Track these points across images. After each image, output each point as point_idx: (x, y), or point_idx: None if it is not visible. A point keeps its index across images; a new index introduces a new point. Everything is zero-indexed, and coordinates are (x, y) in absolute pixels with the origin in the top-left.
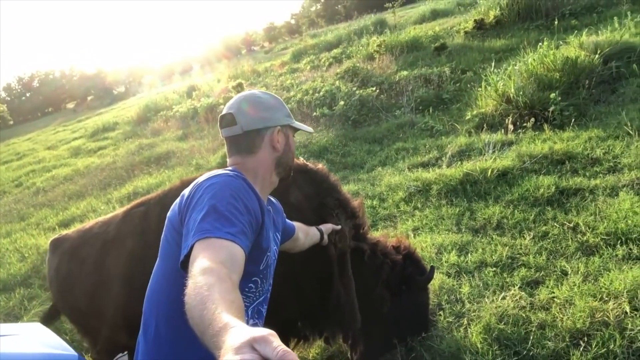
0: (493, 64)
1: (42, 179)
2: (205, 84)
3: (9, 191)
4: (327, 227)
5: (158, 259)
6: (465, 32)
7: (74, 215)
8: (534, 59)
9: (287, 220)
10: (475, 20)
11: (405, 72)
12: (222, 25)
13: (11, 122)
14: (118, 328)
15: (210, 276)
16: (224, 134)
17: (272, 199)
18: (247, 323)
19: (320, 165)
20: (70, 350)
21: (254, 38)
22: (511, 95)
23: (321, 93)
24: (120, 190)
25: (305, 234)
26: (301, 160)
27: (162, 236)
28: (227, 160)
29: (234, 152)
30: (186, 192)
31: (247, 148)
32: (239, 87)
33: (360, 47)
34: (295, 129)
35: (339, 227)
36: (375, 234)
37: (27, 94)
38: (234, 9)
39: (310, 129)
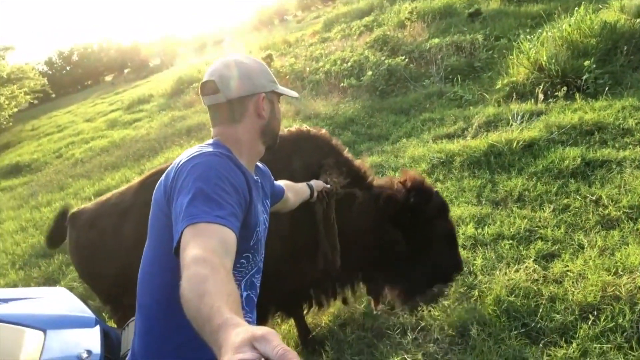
0: (528, 30)
1: (81, 151)
2: None
3: (50, 162)
4: (317, 184)
5: (147, 239)
6: None
7: (109, 186)
8: (569, 25)
9: (274, 182)
10: None
11: (436, 40)
12: None
13: (53, 95)
14: None
15: (203, 267)
16: (206, 103)
17: (259, 164)
18: (241, 293)
19: (323, 130)
20: (88, 313)
21: (287, 7)
22: (543, 63)
23: (349, 63)
24: (152, 162)
25: (295, 193)
26: (304, 127)
27: (150, 216)
28: (212, 130)
29: (218, 121)
30: (171, 171)
31: (230, 117)
32: (268, 59)
33: (392, 15)
34: (280, 95)
35: (329, 185)
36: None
37: (68, 68)
38: None
39: (295, 94)
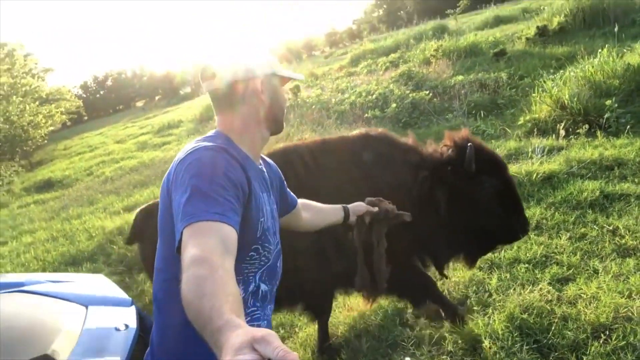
0: (552, 70)
1: (111, 169)
2: None
3: (81, 179)
4: (357, 208)
5: (158, 235)
6: (527, 39)
7: (138, 202)
8: (592, 66)
9: (289, 191)
10: (537, 27)
11: (460, 77)
12: (284, 30)
13: (85, 118)
14: None
15: (203, 267)
16: (205, 89)
17: (268, 160)
18: (253, 287)
19: (380, 130)
20: (125, 295)
21: (315, 43)
22: (565, 101)
23: (374, 96)
24: None
25: (316, 213)
26: (363, 130)
27: (159, 213)
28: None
29: (218, 109)
30: (171, 169)
31: (229, 102)
32: (295, 89)
33: (418, 52)
34: (284, 78)
35: (376, 209)
36: None
37: (101, 92)
38: (296, 14)
39: (300, 76)
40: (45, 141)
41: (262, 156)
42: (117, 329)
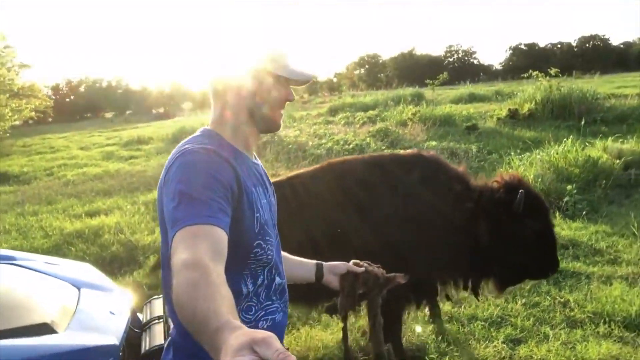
0: (519, 151)
1: (73, 173)
2: None
3: (40, 177)
4: (336, 268)
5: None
6: (498, 119)
7: (100, 209)
8: (557, 152)
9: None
10: (509, 109)
11: (434, 142)
12: None
13: (50, 120)
14: None
15: (194, 271)
16: (202, 82)
17: (258, 162)
18: (263, 280)
19: (432, 152)
20: (114, 284)
21: (295, 87)
22: (530, 180)
23: (351, 145)
24: (147, 195)
25: (285, 262)
26: (416, 150)
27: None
28: None
29: (211, 101)
30: (163, 173)
31: (219, 97)
32: None
33: (395, 113)
34: (281, 77)
35: (362, 269)
36: None
37: (72, 97)
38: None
39: (306, 75)
40: (8, 134)
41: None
42: (112, 313)
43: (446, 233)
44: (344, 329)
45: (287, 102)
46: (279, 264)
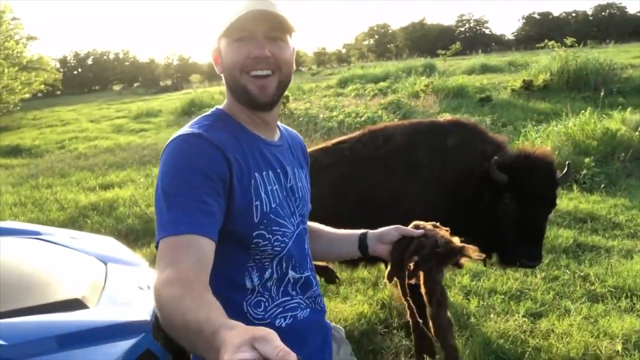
0: (534, 123)
1: (84, 146)
2: None
3: (52, 151)
4: (385, 235)
5: None
6: (512, 90)
7: (113, 182)
8: (574, 124)
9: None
10: (524, 80)
11: (447, 114)
12: None
13: (59, 92)
14: None
15: (177, 287)
16: None
17: (288, 130)
18: (271, 274)
19: (473, 121)
20: (140, 258)
21: (303, 59)
22: None
23: (363, 118)
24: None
25: (323, 243)
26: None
27: None
28: None
29: None
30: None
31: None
32: (284, 99)
33: (407, 85)
34: (230, 37)
35: (420, 232)
36: None
37: (79, 69)
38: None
39: (239, 10)
40: (17, 108)
41: (286, 128)
42: (140, 288)
43: (476, 199)
44: (410, 310)
45: (259, 61)
46: (295, 256)
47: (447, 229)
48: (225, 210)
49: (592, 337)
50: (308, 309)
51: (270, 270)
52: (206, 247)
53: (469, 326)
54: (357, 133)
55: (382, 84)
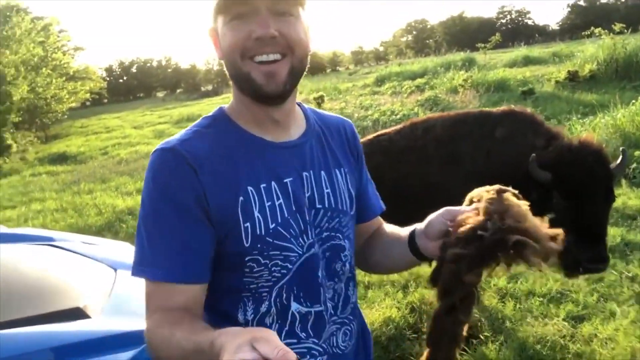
0: (579, 115)
1: (126, 152)
2: None
3: (95, 157)
4: (430, 224)
5: None
6: (557, 82)
7: None
8: (623, 115)
9: (371, 190)
10: (568, 71)
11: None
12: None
13: (105, 100)
14: None
15: (166, 329)
16: None
17: (325, 118)
18: (268, 307)
19: (528, 110)
20: None
21: (340, 59)
22: None
23: (398, 116)
24: None
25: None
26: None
27: None
28: None
29: None
30: None
31: None
32: (320, 100)
33: (445, 80)
34: (227, 13)
35: (472, 208)
36: None
37: (124, 77)
38: (323, 27)
39: None
40: (65, 116)
41: (323, 116)
42: None
43: (524, 198)
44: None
45: (261, 43)
46: (301, 285)
47: (527, 203)
48: (213, 234)
49: (639, 342)
50: (325, 356)
51: (267, 303)
52: (190, 291)
53: (503, 331)
54: (399, 125)
55: (419, 81)
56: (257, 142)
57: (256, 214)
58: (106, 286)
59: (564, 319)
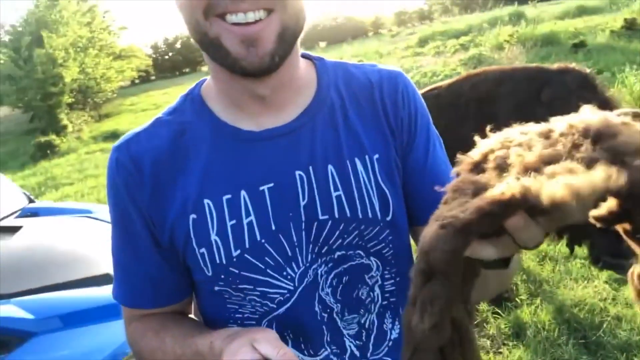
0: (635, 67)
1: None
2: None
3: None
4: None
5: None
6: (612, 32)
7: None
8: None
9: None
10: (625, 19)
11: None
12: (352, 6)
13: (153, 77)
14: None
15: (153, 339)
16: None
17: (351, 77)
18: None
19: (586, 70)
20: None
21: (383, 22)
22: None
23: (439, 77)
24: None
25: None
26: (567, 64)
27: None
28: None
29: None
30: None
31: None
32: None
33: (491, 37)
34: None
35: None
36: None
37: (170, 54)
38: None
39: None
40: (115, 95)
41: (351, 73)
42: None
43: None
44: None
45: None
46: (298, 326)
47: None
48: (174, 256)
49: None
50: None
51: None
52: (162, 310)
53: (540, 294)
54: (453, 79)
55: (464, 39)
56: (227, 133)
57: (213, 237)
58: None
59: (605, 282)
